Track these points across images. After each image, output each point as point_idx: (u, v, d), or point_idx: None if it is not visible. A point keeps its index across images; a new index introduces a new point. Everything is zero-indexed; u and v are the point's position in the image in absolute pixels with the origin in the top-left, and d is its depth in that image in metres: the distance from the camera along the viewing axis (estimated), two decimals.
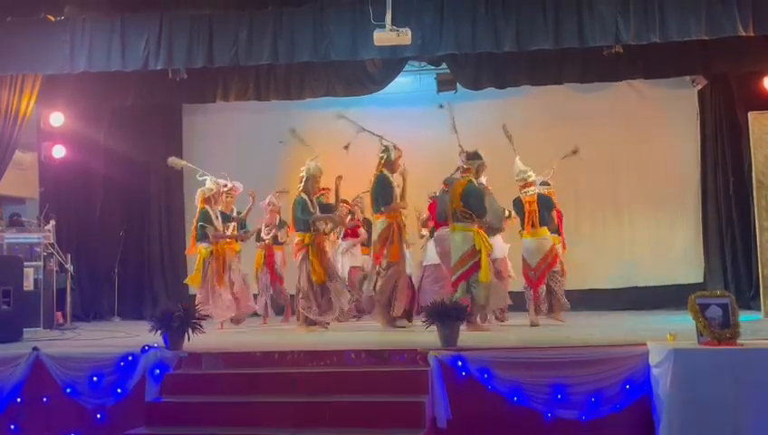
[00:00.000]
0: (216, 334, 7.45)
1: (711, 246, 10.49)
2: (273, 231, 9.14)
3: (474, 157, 7.35)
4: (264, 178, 9.21)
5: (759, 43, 7.93)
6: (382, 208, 7.68)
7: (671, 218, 10.81)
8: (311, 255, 7.64)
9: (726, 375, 4.59)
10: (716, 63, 9.02)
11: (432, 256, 8.20)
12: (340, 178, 8.02)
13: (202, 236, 8.25)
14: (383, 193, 7.68)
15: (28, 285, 8.10)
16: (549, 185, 8.36)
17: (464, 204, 7.11)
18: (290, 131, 8.27)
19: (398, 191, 7.87)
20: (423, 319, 5.80)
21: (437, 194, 8.21)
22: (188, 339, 5.68)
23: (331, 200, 8.28)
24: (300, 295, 7.71)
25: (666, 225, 10.81)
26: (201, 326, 5.78)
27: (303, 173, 7.85)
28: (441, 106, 7.93)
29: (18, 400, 5.54)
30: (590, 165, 10.35)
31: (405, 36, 7.15)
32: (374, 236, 7.75)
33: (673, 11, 7.12)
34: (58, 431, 5.51)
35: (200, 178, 8.40)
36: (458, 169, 7.50)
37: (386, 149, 7.80)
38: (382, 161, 7.81)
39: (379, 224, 7.69)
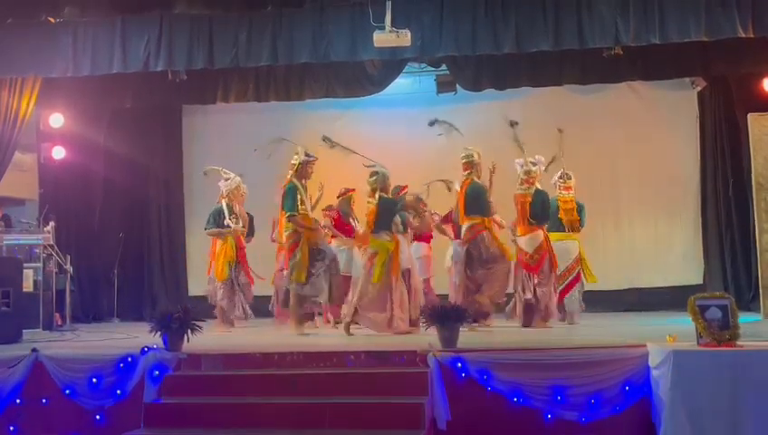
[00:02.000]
0: (215, 336, 7.45)
1: (711, 247, 10.49)
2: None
3: (568, 177, 8.21)
4: (264, 180, 9.18)
5: (758, 44, 7.93)
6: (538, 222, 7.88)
7: (671, 220, 10.82)
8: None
9: (726, 377, 4.59)
10: (716, 65, 9.02)
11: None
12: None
13: None
14: (548, 207, 7.91)
15: (27, 286, 8.09)
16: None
17: (578, 217, 8.15)
18: (431, 123, 8.22)
19: None
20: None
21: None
22: (188, 340, 5.68)
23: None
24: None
25: (665, 226, 10.81)
26: (200, 328, 5.78)
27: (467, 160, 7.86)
28: (560, 131, 8.33)
29: (17, 401, 5.54)
30: (589, 166, 10.36)
31: (404, 38, 7.15)
32: (529, 249, 7.77)
33: (672, 12, 7.12)
34: (57, 432, 5.51)
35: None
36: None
37: (534, 164, 7.98)
38: (530, 177, 7.96)
39: (535, 236, 7.79)
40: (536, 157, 8.14)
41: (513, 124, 8.07)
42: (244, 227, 8.64)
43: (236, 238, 8.48)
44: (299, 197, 7.50)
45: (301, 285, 7.38)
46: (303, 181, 7.66)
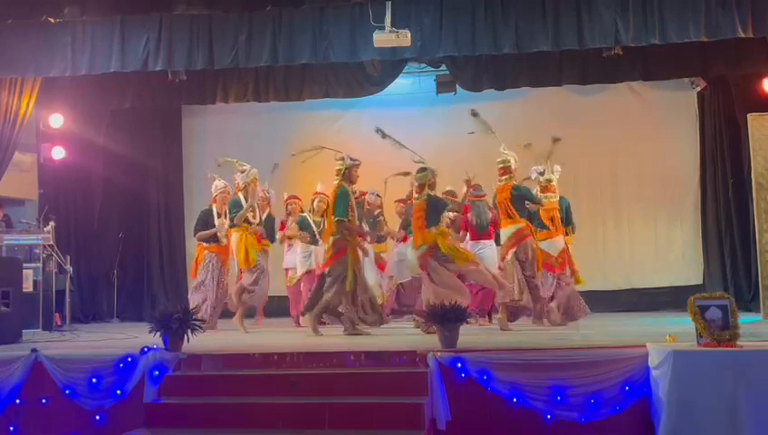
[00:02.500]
0: (214, 336, 7.45)
1: (710, 247, 10.50)
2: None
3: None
4: (263, 180, 9.17)
5: (758, 45, 7.95)
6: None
7: (671, 220, 10.83)
8: None
9: (725, 377, 4.59)
10: (715, 65, 9.03)
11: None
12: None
13: None
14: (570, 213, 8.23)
15: (27, 286, 8.09)
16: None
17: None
18: (472, 114, 8.02)
19: None
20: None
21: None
22: (187, 340, 5.68)
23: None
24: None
25: (665, 227, 10.82)
26: (200, 328, 5.78)
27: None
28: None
29: (17, 401, 5.52)
30: (589, 167, 10.37)
31: (404, 38, 7.16)
32: (554, 252, 7.97)
33: (672, 13, 7.13)
34: (57, 433, 5.49)
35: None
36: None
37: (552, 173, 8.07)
38: (551, 185, 8.06)
39: (558, 240, 8.04)
40: (554, 166, 8.24)
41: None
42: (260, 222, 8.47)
43: (255, 233, 8.21)
44: (349, 203, 7.36)
45: (347, 294, 7.15)
46: (351, 186, 7.53)
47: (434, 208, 7.35)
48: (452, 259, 7.23)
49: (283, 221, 9.28)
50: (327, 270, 7.32)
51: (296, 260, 8.90)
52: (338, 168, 7.51)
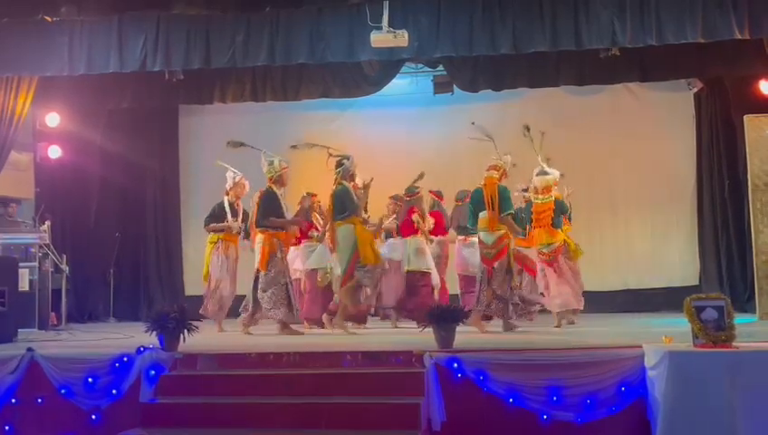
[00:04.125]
0: (211, 336, 7.44)
1: (706, 248, 10.52)
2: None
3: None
4: (261, 180, 9.17)
5: (754, 46, 7.96)
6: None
7: (667, 221, 10.85)
8: None
9: (722, 378, 4.59)
10: (712, 67, 9.05)
11: None
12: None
13: None
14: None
15: (23, 285, 8.08)
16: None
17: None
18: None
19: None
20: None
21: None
22: (183, 340, 5.67)
23: None
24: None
25: (661, 227, 10.84)
26: (196, 328, 5.78)
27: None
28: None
29: (13, 401, 5.52)
30: (586, 167, 10.38)
31: (402, 38, 7.16)
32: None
33: (669, 14, 7.13)
34: (53, 432, 5.49)
35: None
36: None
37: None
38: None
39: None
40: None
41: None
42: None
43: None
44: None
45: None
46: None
47: (560, 210, 7.94)
48: (572, 257, 8.01)
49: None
50: (496, 265, 7.30)
51: (318, 259, 8.47)
52: (496, 163, 7.54)
